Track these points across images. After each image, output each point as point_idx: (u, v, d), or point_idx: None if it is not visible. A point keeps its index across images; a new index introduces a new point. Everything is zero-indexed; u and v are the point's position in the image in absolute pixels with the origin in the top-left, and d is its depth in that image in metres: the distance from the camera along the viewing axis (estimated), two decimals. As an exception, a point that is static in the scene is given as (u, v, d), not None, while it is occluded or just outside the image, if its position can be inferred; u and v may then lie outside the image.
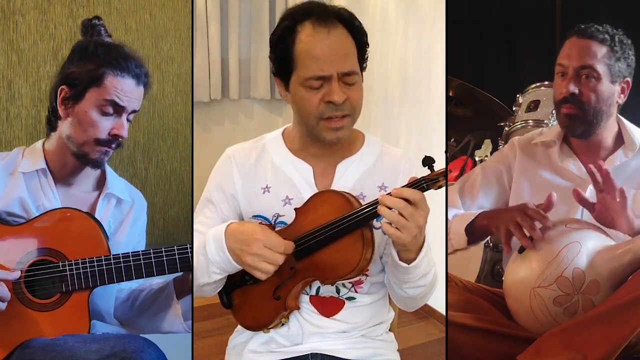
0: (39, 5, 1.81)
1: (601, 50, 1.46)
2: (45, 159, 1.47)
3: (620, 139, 1.53)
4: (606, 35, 1.47)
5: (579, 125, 1.49)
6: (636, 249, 1.27)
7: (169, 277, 1.47)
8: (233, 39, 3.99)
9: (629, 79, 1.50)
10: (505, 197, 1.60)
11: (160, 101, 1.98)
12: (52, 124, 1.48)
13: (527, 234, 1.34)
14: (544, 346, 1.23)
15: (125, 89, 1.43)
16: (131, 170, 1.95)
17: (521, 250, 1.38)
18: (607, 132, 1.52)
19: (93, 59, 1.43)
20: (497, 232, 1.41)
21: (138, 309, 1.52)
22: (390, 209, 1.17)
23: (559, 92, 1.50)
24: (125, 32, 1.93)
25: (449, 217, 1.56)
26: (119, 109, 1.43)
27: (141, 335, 1.49)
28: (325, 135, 1.29)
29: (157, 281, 1.50)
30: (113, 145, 1.45)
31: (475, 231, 1.48)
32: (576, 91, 1.47)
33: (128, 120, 1.46)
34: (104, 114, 1.42)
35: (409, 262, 1.24)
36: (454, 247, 1.49)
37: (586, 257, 1.30)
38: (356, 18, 1.30)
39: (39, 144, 1.50)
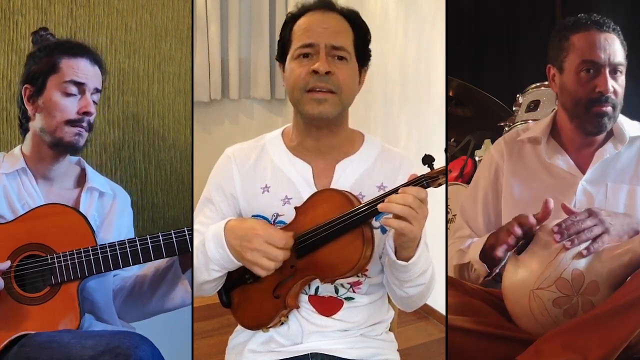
0: (39, 5, 1.81)
1: (621, 45, 1.46)
2: (24, 160, 1.52)
3: (609, 132, 1.51)
4: (617, 30, 1.46)
5: (610, 122, 1.46)
6: (635, 249, 1.27)
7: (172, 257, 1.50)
8: (233, 39, 3.99)
9: None
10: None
11: (160, 101, 1.99)
12: (24, 127, 1.55)
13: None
14: (543, 347, 1.23)
15: (81, 67, 1.50)
16: (131, 170, 1.95)
17: (519, 252, 1.38)
18: None
19: (46, 53, 1.51)
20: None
21: (148, 292, 1.55)
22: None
23: (590, 89, 1.44)
24: (125, 32, 1.93)
25: (464, 247, 1.56)
26: (80, 88, 1.50)
27: (150, 317, 1.56)
28: (308, 109, 1.31)
29: (159, 261, 1.53)
30: (84, 124, 1.50)
31: (487, 253, 1.46)
32: (612, 88, 1.44)
33: (95, 102, 1.52)
34: (68, 94, 1.49)
35: (407, 260, 1.24)
36: (481, 277, 1.48)
37: (585, 258, 1.29)
38: (361, 18, 1.37)
39: (16, 149, 1.56)
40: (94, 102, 1.52)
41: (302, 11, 1.36)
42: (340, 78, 1.30)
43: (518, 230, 1.34)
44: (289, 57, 1.34)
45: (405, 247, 1.23)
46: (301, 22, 1.34)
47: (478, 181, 1.63)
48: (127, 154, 1.95)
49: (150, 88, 1.97)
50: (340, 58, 1.31)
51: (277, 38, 1.41)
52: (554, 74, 1.52)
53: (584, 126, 1.49)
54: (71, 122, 1.49)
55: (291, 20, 1.36)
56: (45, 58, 1.50)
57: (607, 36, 1.45)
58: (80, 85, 1.49)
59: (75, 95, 1.49)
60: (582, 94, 1.46)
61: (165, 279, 1.53)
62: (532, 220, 1.34)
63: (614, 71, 1.45)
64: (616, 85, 1.44)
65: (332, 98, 1.30)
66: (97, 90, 1.53)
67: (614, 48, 1.44)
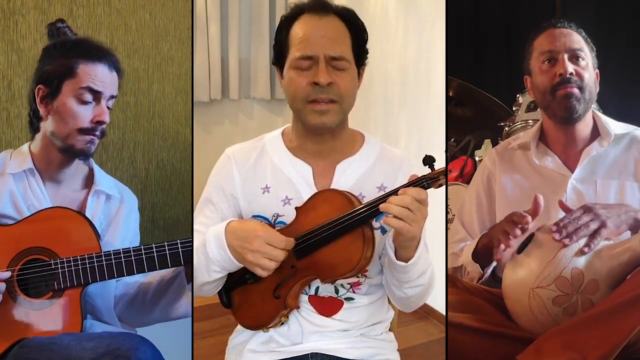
0: (39, 5, 1.81)
1: (581, 39, 1.53)
2: (32, 159, 1.49)
3: (595, 132, 1.55)
4: (578, 28, 1.54)
5: (579, 104, 1.50)
6: (635, 247, 1.27)
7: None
8: (233, 39, 3.99)
9: (598, 71, 1.55)
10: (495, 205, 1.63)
11: (160, 101, 1.99)
12: (34, 126, 1.51)
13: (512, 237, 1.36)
14: (543, 346, 1.23)
15: (98, 74, 1.46)
16: (131, 170, 1.95)
17: (519, 250, 1.38)
18: (585, 124, 1.55)
19: (63, 54, 1.47)
20: (495, 245, 1.41)
21: (150, 302, 1.53)
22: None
23: (551, 76, 1.51)
24: (125, 32, 1.93)
25: (457, 250, 1.58)
26: (96, 95, 1.46)
27: (151, 324, 1.54)
28: (310, 119, 1.30)
29: (164, 271, 1.51)
30: (97, 133, 1.47)
31: (480, 254, 1.48)
32: (573, 71, 1.50)
33: (109, 107, 1.49)
34: (83, 102, 1.45)
35: (406, 260, 1.24)
36: (475, 278, 1.50)
37: (584, 256, 1.30)
38: (357, 17, 1.33)
39: (25, 147, 1.52)
40: (108, 107, 1.48)
41: (297, 12, 1.33)
42: (342, 87, 1.29)
43: (517, 232, 1.35)
44: (287, 65, 1.32)
45: (404, 248, 1.23)
46: (297, 29, 1.31)
47: (472, 187, 1.68)
48: (127, 154, 1.94)
49: (150, 88, 1.97)
50: (341, 69, 1.29)
51: (274, 40, 1.40)
52: (530, 81, 1.59)
53: (555, 114, 1.53)
54: (84, 131, 1.45)
55: (286, 23, 1.34)
56: (62, 59, 1.46)
57: (562, 30, 1.53)
58: (96, 92, 1.45)
59: (90, 102, 1.45)
60: (546, 83, 1.52)
61: (170, 289, 1.51)
62: (527, 217, 1.35)
63: (575, 57, 1.51)
64: (578, 69, 1.50)
65: (334, 107, 1.30)
66: (112, 97, 1.49)
67: (571, 37, 1.52)
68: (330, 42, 1.29)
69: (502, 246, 1.37)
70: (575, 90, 1.49)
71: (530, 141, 1.60)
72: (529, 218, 1.34)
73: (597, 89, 1.55)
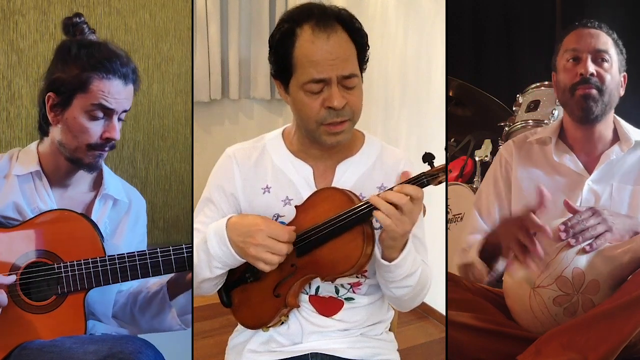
0: (39, 5, 1.81)
1: (609, 40, 1.54)
2: (39, 161, 1.46)
3: (616, 136, 1.56)
4: (609, 30, 1.54)
5: (596, 106, 1.50)
6: (636, 248, 1.28)
7: (163, 279, 1.47)
8: (233, 39, 3.99)
9: (625, 74, 1.56)
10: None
11: (160, 101, 1.99)
12: (43, 129, 1.47)
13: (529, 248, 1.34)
14: (543, 346, 1.23)
15: (112, 90, 1.40)
16: (131, 170, 1.95)
17: None
18: (606, 126, 1.55)
19: (77, 62, 1.40)
20: (505, 252, 1.39)
21: (138, 312, 1.52)
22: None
23: (573, 75, 1.52)
24: (125, 32, 1.93)
25: (467, 245, 1.57)
26: (108, 112, 1.41)
27: (142, 334, 1.51)
28: (326, 140, 1.30)
29: (153, 282, 1.50)
30: (106, 148, 1.44)
31: (488, 253, 1.47)
32: (595, 72, 1.50)
33: (120, 119, 1.45)
34: (94, 118, 1.41)
35: (390, 260, 1.24)
36: (485, 274, 1.48)
37: (586, 257, 1.30)
38: (356, 19, 1.30)
39: (32, 146, 1.49)
40: (120, 119, 1.44)
41: (298, 22, 1.26)
42: (354, 105, 1.28)
43: (539, 248, 1.32)
44: (294, 84, 1.27)
45: (388, 247, 1.23)
46: (304, 48, 1.24)
47: (490, 177, 1.67)
48: (127, 154, 1.95)
49: (150, 88, 1.97)
50: (352, 87, 1.27)
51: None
52: (555, 77, 1.60)
53: (573, 113, 1.54)
54: (93, 146, 1.42)
55: (288, 35, 1.26)
56: (75, 69, 1.39)
57: (590, 31, 1.54)
58: (108, 110, 1.41)
59: (101, 118, 1.41)
60: (567, 81, 1.53)
61: (154, 302, 1.48)
62: (539, 222, 1.32)
63: (599, 59, 1.52)
64: (601, 70, 1.51)
65: (348, 125, 1.29)
66: (125, 111, 1.45)
67: (598, 38, 1.53)
68: (341, 63, 1.24)
69: (533, 266, 1.33)
70: (594, 92, 1.50)
71: (550, 136, 1.60)
72: (549, 232, 1.32)
73: (622, 93, 1.55)
